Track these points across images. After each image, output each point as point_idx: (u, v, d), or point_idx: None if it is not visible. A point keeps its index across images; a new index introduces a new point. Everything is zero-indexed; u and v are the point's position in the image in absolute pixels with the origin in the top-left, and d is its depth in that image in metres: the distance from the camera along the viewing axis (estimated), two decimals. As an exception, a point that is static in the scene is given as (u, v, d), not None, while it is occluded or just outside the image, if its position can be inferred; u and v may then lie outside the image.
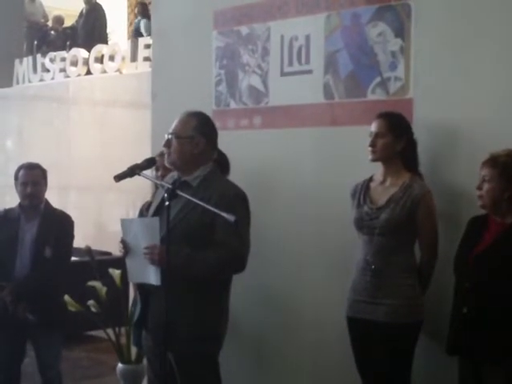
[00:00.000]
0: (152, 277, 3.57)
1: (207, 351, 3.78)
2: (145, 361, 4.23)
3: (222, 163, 4.26)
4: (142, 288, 3.79)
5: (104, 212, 9.20)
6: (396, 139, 3.89)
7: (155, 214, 3.77)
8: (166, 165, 3.93)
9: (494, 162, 3.54)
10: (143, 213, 4.60)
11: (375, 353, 3.87)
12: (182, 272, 3.57)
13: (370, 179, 4.05)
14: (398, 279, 3.83)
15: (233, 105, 5.07)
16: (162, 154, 4.06)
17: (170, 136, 3.77)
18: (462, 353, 3.62)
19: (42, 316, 4.67)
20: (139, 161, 3.70)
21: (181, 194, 3.45)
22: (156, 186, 4.29)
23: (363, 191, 4.03)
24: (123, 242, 3.75)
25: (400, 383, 3.87)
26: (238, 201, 3.74)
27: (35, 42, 11.81)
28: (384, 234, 3.84)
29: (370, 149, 3.93)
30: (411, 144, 3.94)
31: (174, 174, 3.89)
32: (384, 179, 3.98)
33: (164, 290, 3.39)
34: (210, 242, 3.62)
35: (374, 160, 3.96)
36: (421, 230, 3.87)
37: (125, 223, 3.83)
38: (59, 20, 12.54)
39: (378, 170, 4.01)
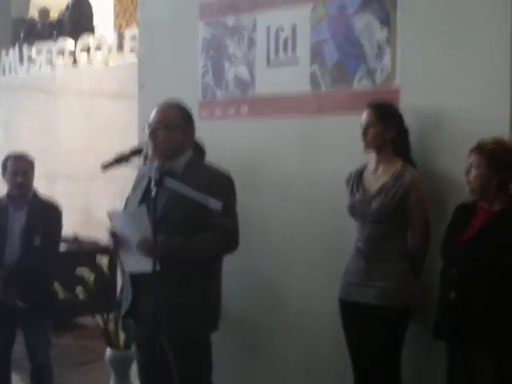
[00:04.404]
0: (147, 266, 3.53)
1: (204, 335, 3.85)
2: (133, 347, 4.27)
3: (198, 149, 4.27)
4: (136, 278, 3.79)
5: (91, 201, 9.20)
6: (386, 128, 3.95)
7: (141, 202, 3.78)
8: (152, 157, 3.92)
9: (480, 149, 3.59)
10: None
11: (366, 335, 3.92)
12: (181, 257, 3.63)
13: (364, 167, 4.11)
14: (390, 264, 3.89)
15: (219, 95, 5.09)
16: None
17: (156, 126, 3.77)
18: (448, 338, 3.66)
19: (31, 303, 4.71)
20: (126, 150, 3.72)
21: (169, 184, 3.47)
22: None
23: (356, 179, 4.09)
24: (113, 234, 3.76)
25: (389, 367, 3.93)
26: (227, 184, 3.83)
27: (21, 34, 11.76)
28: (376, 221, 3.91)
29: (362, 137, 3.99)
30: (402, 132, 4.00)
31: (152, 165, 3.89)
32: (376, 167, 4.04)
33: (156, 276, 3.41)
34: (202, 225, 3.67)
35: (366, 148, 4.02)
36: (412, 217, 3.91)
37: (112, 215, 3.83)
38: (45, 12, 12.45)
39: (363, 158, 4.06)
